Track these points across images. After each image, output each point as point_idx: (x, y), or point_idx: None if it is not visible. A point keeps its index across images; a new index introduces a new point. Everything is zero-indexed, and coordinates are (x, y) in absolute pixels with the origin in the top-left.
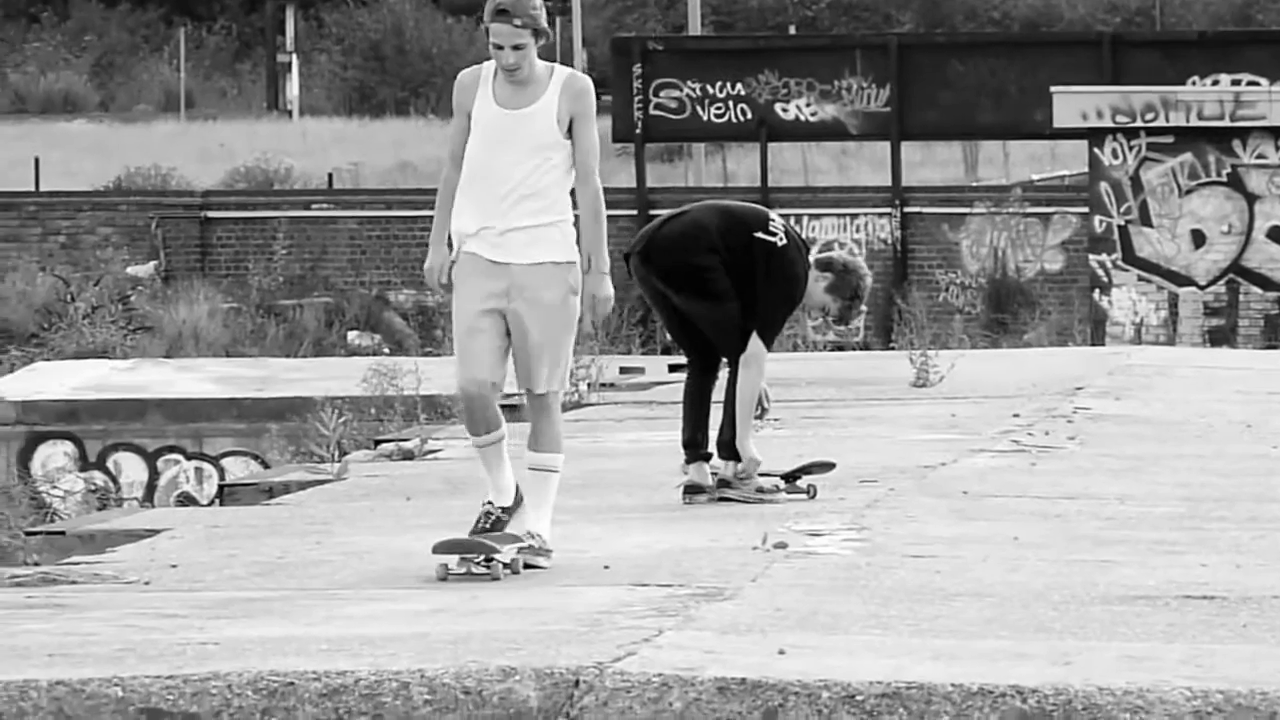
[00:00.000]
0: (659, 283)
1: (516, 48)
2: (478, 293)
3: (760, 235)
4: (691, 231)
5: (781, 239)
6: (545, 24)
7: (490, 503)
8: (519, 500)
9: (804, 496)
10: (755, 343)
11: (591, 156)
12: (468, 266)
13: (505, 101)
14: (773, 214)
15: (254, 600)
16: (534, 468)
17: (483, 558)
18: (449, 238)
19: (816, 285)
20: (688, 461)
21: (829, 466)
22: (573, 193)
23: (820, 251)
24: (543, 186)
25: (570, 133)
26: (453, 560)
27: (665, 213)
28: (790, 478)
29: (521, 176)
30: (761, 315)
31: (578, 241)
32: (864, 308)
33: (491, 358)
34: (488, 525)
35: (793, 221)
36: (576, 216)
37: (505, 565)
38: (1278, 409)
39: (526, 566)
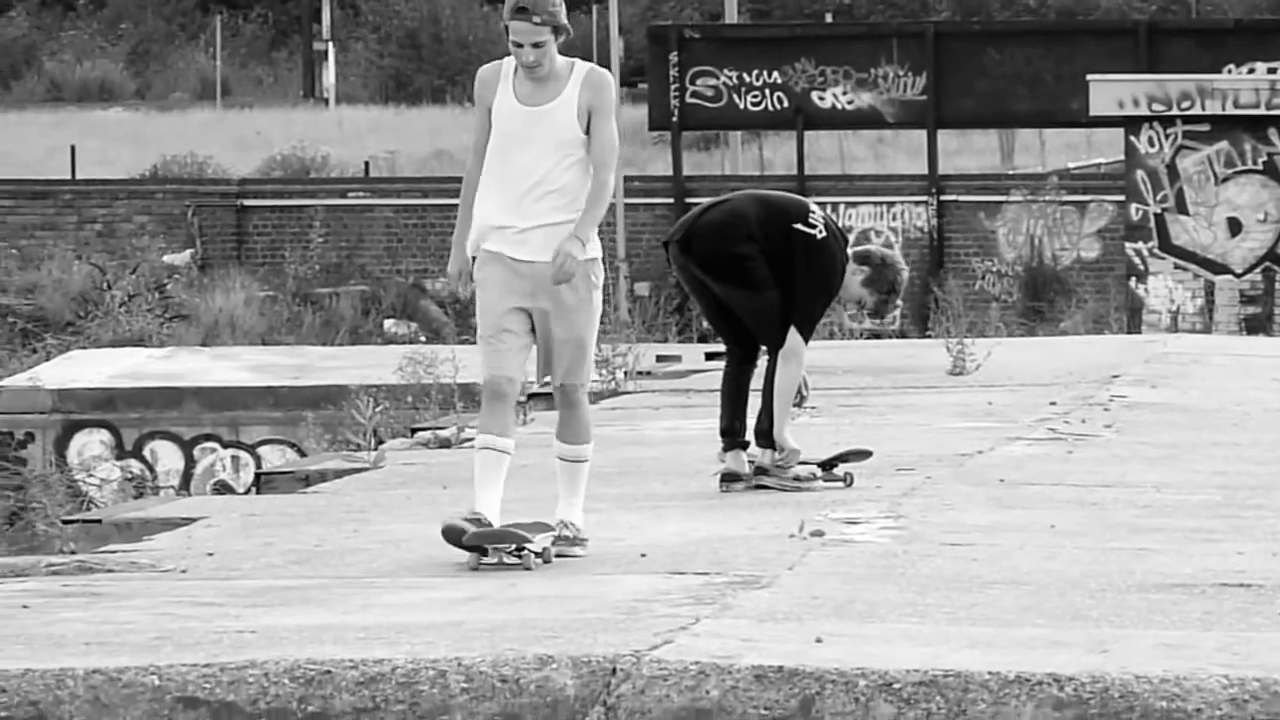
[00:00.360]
0: (698, 271)
1: (536, 45)
2: (503, 290)
3: (800, 226)
4: (731, 220)
5: (821, 230)
6: (565, 20)
7: (477, 513)
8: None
9: (841, 484)
10: (794, 336)
11: (606, 151)
12: (491, 264)
13: (526, 98)
14: (812, 204)
15: (290, 588)
16: (563, 458)
17: (514, 547)
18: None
19: (853, 278)
20: (725, 449)
21: (866, 454)
22: None
23: (857, 241)
24: (564, 183)
25: (588, 130)
26: (486, 550)
27: (704, 201)
28: (827, 466)
29: (543, 173)
30: (800, 307)
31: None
32: (900, 301)
33: (519, 356)
34: None
35: (829, 210)
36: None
37: (537, 555)
38: None
39: (559, 556)
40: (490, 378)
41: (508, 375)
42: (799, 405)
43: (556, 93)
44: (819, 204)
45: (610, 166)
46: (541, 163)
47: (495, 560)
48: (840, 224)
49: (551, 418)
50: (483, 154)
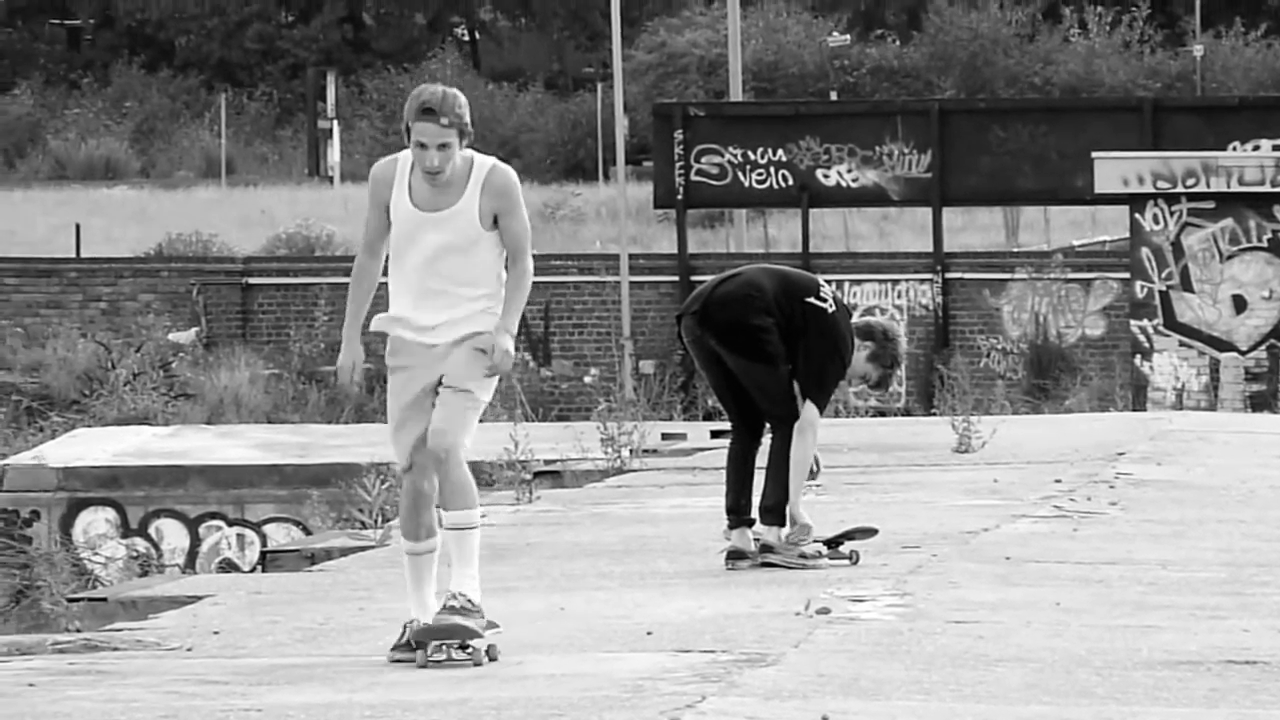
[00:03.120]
0: (714, 342)
1: (442, 147)
2: (412, 375)
3: (812, 300)
4: (749, 292)
5: (831, 305)
6: (469, 124)
7: (415, 620)
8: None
9: (846, 562)
10: (810, 409)
11: (523, 240)
12: (400, 353)
13: (423, 202)
14: (821, 280)
15: (297, 666)
16: (449, 527)
17: (459, 643)
18: (362, 331)
19: (859, 354)
20: (731, 527)
21: (871, 532)
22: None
23: (860, 316)
24: (470, 278)
25: (495, 224)
26: (430, 646)
27: (712, 277)
28: (833, 543)
29: (448, 272)
30: (813, 380)
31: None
32: (900, 371)
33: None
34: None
35: (834, 287)
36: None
37: (484, 651)
38: None
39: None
40: (400, 471)
41: (417, 462)
42: (812, 479)
43: (455, 198)
44: (825, 280)
45: (527, 252)
46: (444, 263)
47: (443, 656)
48: (845, 301)
49: (557, 495)
50: (374, 250)
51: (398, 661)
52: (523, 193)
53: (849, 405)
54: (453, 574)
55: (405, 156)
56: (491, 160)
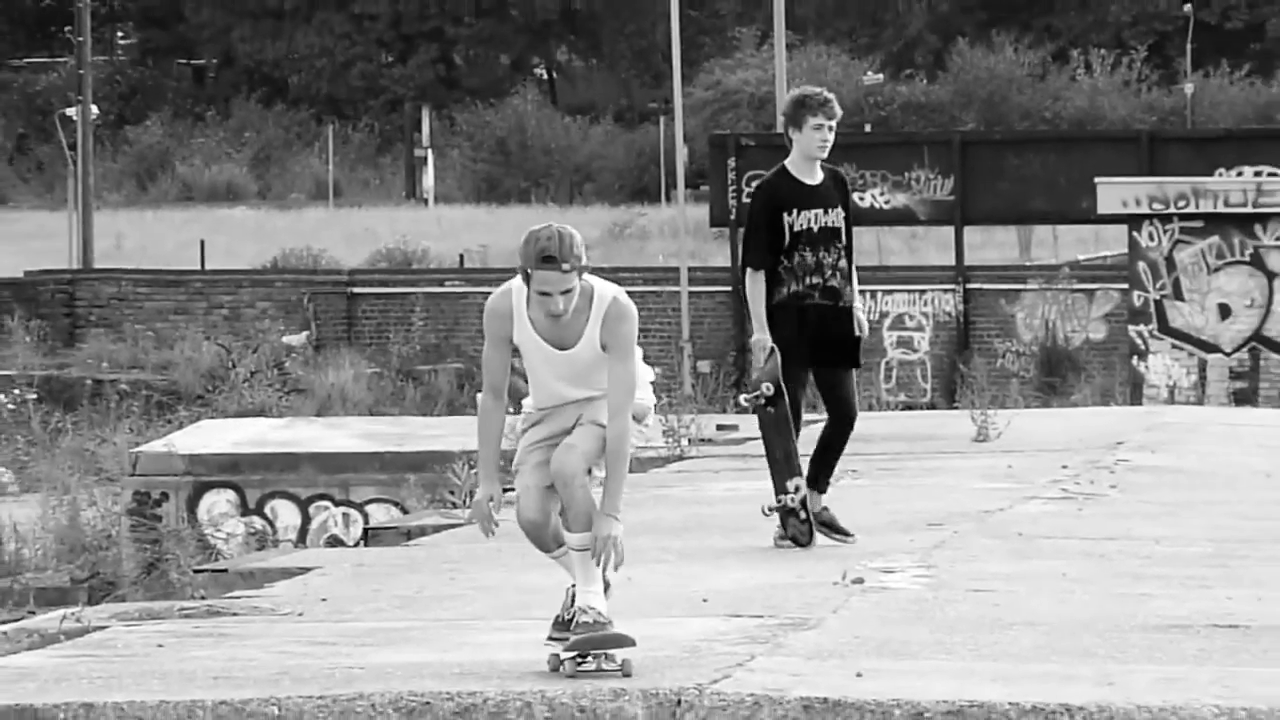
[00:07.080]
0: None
1: (565, 292)
2: (543, 430)
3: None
4: None
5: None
6: (586, 258)
7: (575, 586)
8: (606, 583)
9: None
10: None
11: (622, 391)
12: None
13: (549, 336)
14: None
15: (395, 630)
16: (574, 547)
17: (609, 655)
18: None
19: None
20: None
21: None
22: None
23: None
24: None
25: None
26: (582, 657)
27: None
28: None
29: (583, 384)
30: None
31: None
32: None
33: (546, 497)
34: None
35: (868, 298)
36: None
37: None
38: None
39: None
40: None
41: (528, 518)
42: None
43: (578, 334)
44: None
45: (627, 410)
46: (576, 381)
47: (593, 667)
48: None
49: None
50: (498, 392)
51: (555, 639)
52: (599, 219)
53: (880, 400)
54: (577, 591)
55: (519, 287)
56: (613, 293)
